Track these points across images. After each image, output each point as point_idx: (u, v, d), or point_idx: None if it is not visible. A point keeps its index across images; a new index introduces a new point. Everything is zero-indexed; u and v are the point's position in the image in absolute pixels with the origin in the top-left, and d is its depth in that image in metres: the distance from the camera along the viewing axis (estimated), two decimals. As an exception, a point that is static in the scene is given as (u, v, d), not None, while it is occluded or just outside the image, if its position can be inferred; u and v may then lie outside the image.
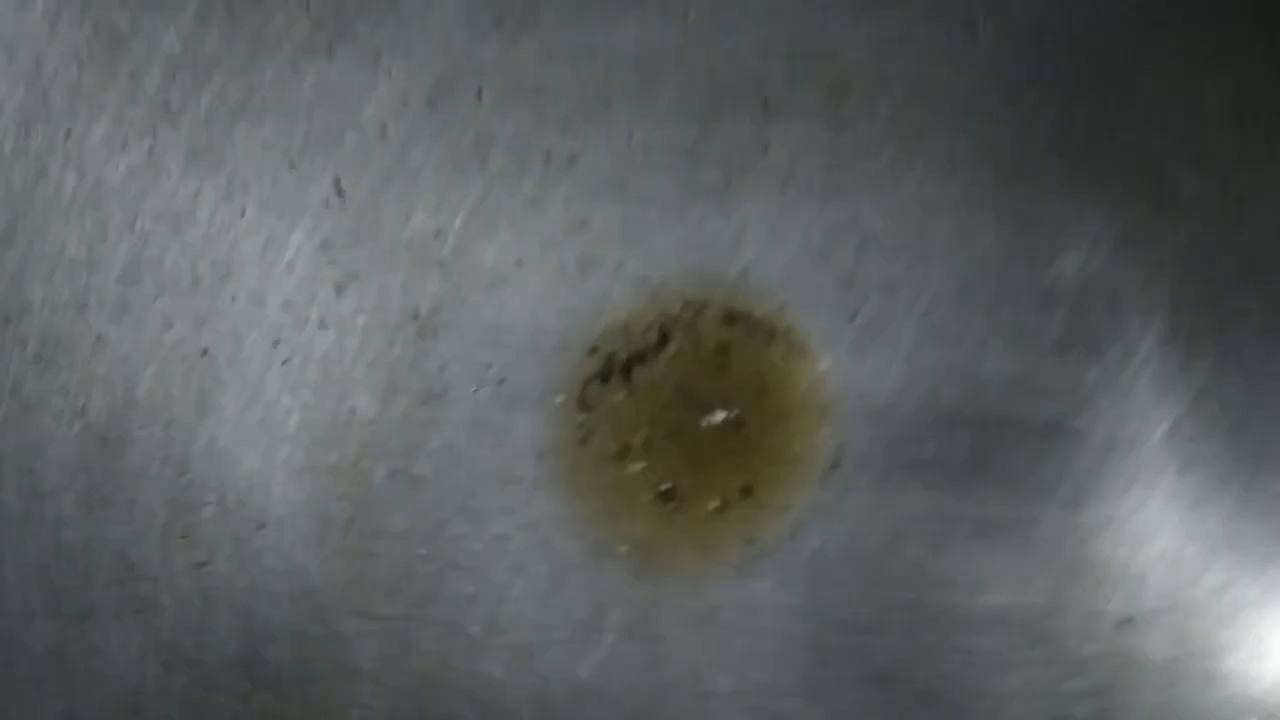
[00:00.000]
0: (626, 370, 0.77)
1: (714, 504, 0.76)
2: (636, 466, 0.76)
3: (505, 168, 0.78)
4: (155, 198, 0.79)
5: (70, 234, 0.78)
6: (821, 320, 0.77)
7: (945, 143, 0.76)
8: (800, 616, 0.77)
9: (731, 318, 0.76)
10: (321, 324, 0.78)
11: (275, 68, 0.78)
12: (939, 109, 0.76)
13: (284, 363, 0.78)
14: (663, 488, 0.76)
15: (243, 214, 0.78)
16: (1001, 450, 0.76)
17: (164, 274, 0.79)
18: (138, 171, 0.79)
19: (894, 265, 0.76)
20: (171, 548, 0.78)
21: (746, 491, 0.76)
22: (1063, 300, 0.76)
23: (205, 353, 0.78)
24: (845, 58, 0.76)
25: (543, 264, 0.77)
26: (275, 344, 0.78)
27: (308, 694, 0.78)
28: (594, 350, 0.77)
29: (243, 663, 0.78)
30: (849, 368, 0.76)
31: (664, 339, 0.76)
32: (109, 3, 0.78)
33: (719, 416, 0.75)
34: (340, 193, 0.78)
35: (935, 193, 0.76)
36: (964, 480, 0.76)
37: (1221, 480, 0.75)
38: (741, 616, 0.77)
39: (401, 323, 0.78)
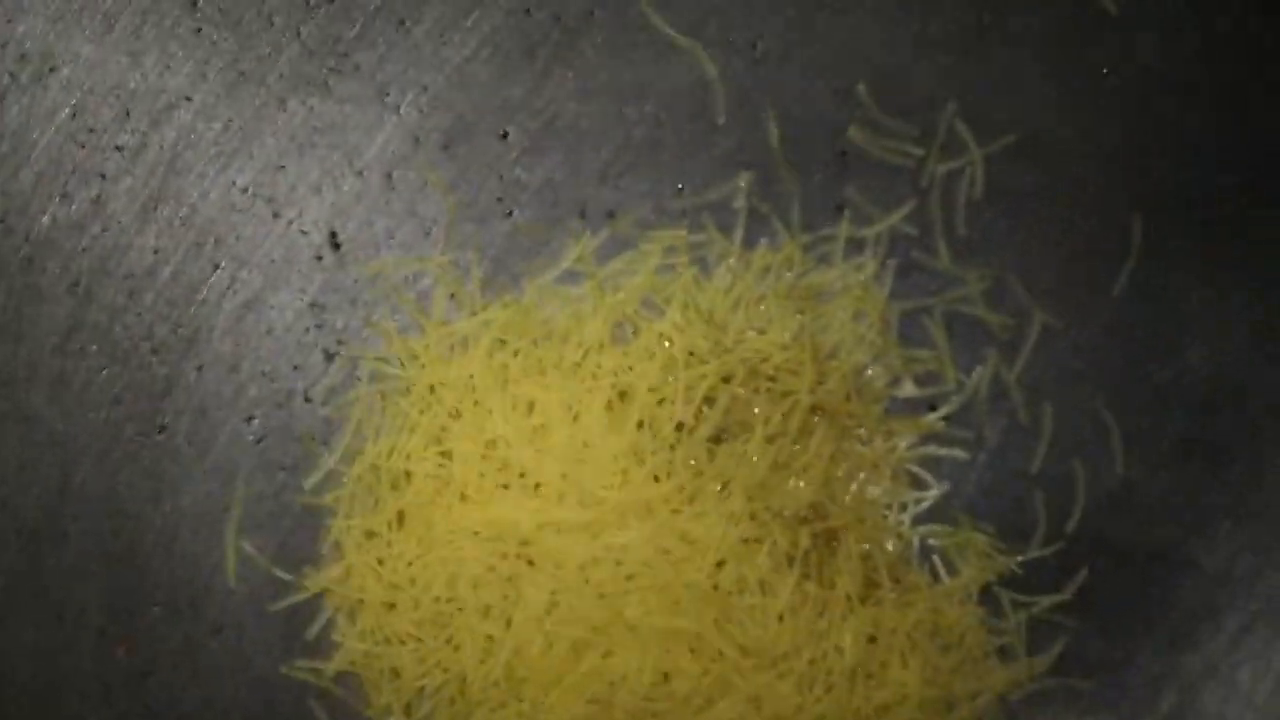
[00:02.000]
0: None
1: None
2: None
3: (534, 221, 0.67)
4: (102, 251, 0.67)
5: (-8, 294, 0.66)
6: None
7: (1060, 211, 0.67)
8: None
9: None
10: (306, 398, 0.66)
11: (258, 104, 0.67)
12: (1051, 167, 0.67)
13: (258, 441, 0.66)
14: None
15: (216, 268, 0.66)
16: (1096, 576, 0.66)
17: (113, 342, 0.66)
18: (80, 222, 0.67)
19: (983, 352, 0.67)
20: (107, 658, 0.65)
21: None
22: (1183, 401, 0.67)
23: (162, 429, 0.66)
24: (940, 103, 0.67)
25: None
26: (249, 420, 0.66)
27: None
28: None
29: (190, 799, 0.65)
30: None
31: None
32: (32, 13, 0.67)
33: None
34: (336, 246, 0.67)
35: (1039, 271, 0.67)
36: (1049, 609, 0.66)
37: (1356, 630, 0.66)
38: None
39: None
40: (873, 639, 0.61)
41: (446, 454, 0.63)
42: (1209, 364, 0.66)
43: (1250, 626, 0.65)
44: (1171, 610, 0.66)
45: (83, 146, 0.67)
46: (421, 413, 0.64)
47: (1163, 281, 0.67)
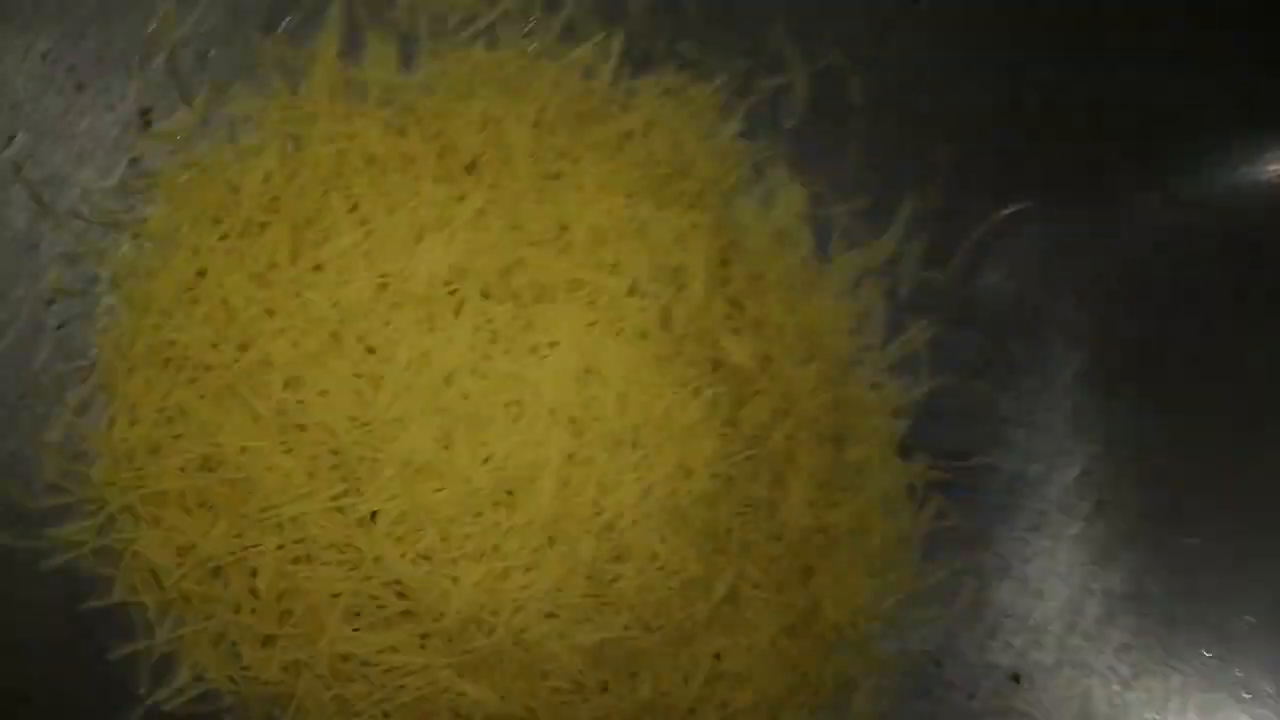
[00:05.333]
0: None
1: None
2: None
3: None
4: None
5: None
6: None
7: (875, 132, 0.67)
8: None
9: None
10: (114, 283, 0.61)
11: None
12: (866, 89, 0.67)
13: (60, 327, 0.61)
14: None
15: (10, 141, 0.61)
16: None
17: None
18: None
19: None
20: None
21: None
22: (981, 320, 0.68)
23: (-49, 312, 0.60)
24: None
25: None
26: (48, 304, 0.61)
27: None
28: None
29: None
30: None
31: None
32: None
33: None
34: (147, 124, 0.62)
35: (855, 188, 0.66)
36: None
37: (1131, 532, 0.68)
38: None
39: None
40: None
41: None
42: (1004, 286, 0.68)
43: (1039, 524, 0.67)
44: (974, 511, 0.67)
45: None
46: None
47: (964, 207, 0.67)
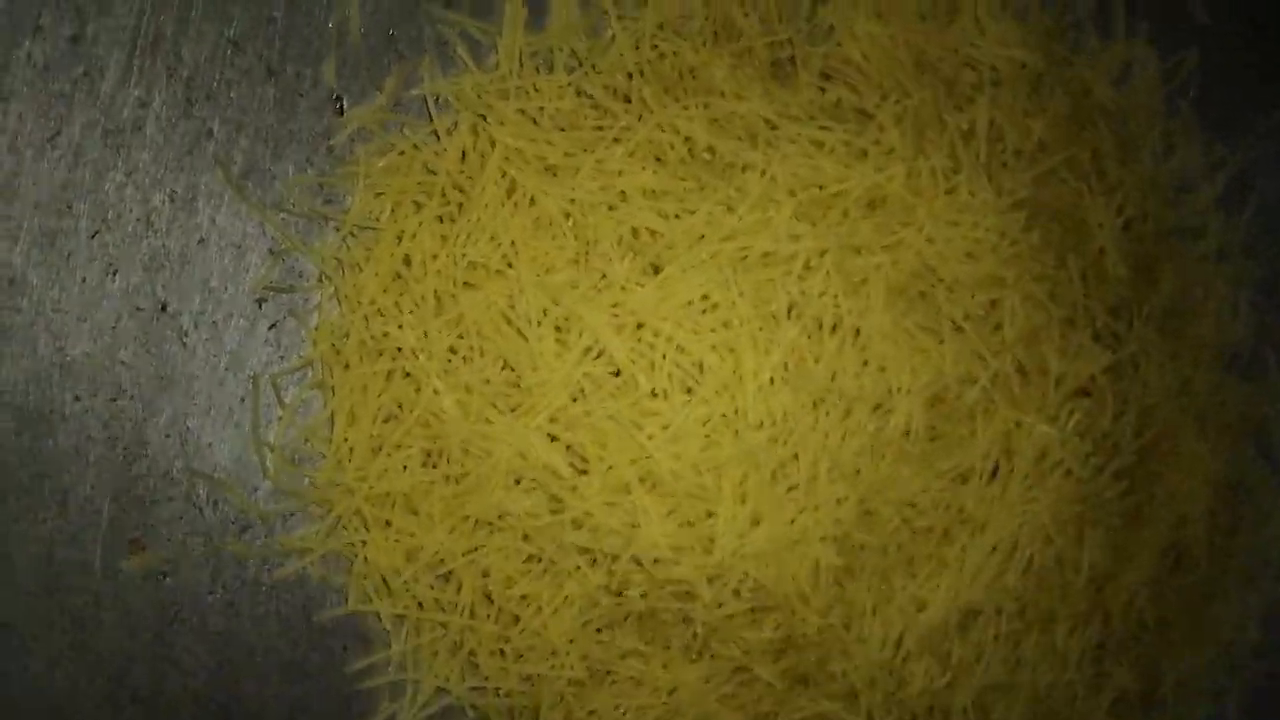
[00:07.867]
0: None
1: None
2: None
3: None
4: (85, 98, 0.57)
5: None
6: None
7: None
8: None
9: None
10: (321, 277, 0.59)
11: None
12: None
13: (272, 326, 0.59)
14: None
15: (209, 134, 0.58)
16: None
17: (101, 205, 0.58)
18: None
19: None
20: (118, 553, 0.57)
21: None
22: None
23: (164, 307, 0.58)
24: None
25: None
26: (259, 303, 0.59)
27: (303, 745, 0.59)
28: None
29: (214, 702, 0.58)
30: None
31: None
32: None
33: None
34: (339, 110, 0.59)
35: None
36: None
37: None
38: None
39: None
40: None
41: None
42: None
43: None
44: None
45: None
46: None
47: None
